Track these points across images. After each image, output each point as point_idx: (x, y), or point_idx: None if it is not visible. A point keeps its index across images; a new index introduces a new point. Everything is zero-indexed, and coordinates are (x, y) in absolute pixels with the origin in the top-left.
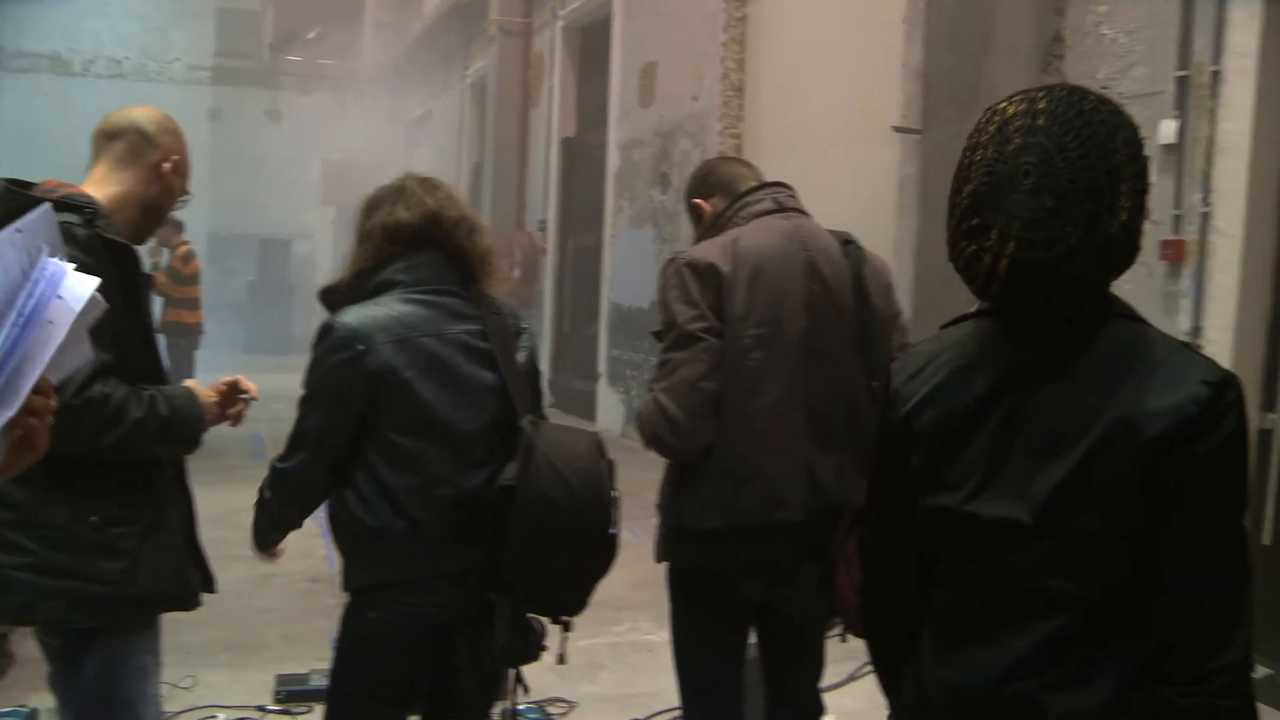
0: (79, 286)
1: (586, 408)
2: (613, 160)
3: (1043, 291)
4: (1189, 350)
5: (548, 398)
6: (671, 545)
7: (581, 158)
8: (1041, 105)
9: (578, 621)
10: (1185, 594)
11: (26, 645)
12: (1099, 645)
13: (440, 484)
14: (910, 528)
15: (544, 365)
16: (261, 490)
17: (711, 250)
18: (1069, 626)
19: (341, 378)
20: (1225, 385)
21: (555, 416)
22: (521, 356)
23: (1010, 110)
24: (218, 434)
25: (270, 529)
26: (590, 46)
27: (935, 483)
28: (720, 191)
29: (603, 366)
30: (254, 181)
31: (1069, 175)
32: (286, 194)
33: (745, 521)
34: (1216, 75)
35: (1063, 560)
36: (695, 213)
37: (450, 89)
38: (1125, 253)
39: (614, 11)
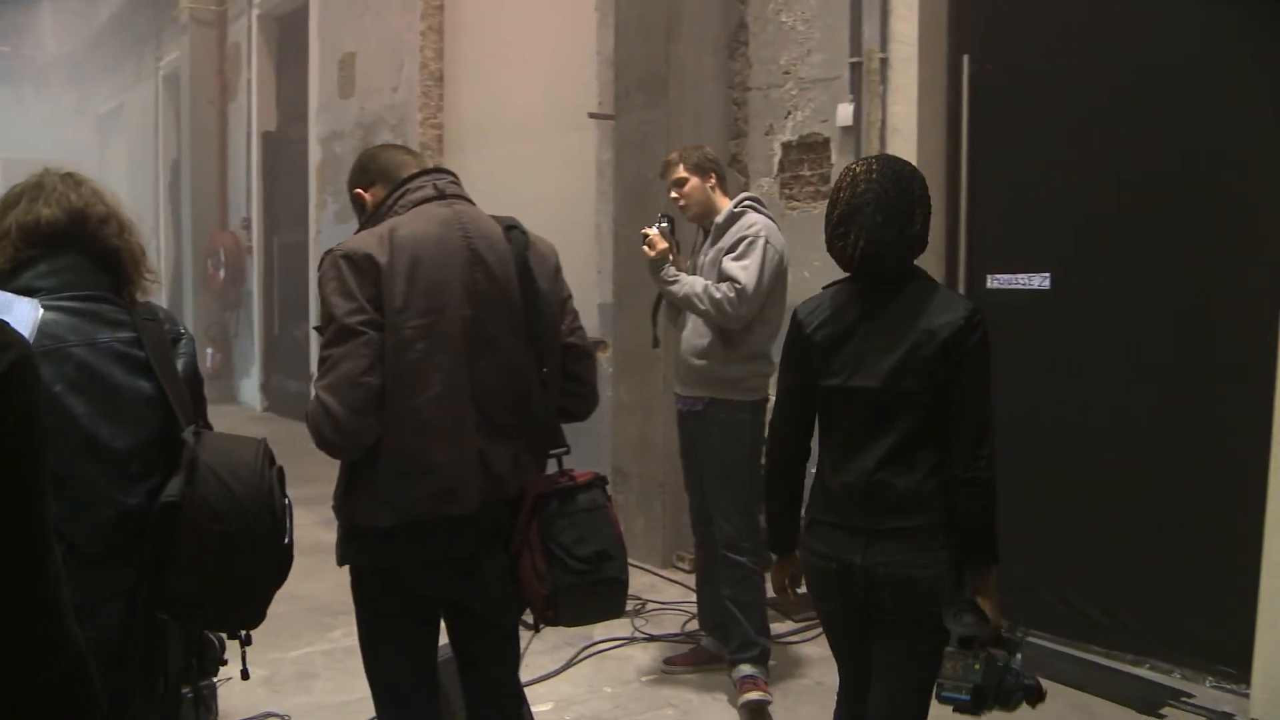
0: None
1: (301, 409)
2: (314, 154)
3: (876, 265)
4: (957, 295)
5: (262, 402)
6: (349, 546)
7: (283, 152)
8: (875, 168)
9: (295, 630)
10: (962, 417)
11: None
12: (916, 451)
13: (100, 504)
14: (805, 399)
15: (255, 368)
16: None
17: (368, 240)
18: (901, 442)
19: None
20: (975, 311)
21: (269, 420)
22: (181, 364)
23: (858, 170)
24: None
25: None
26: (288, 36)
27: (827, 372)
28: (381, 180)
29: (315, 367)
30: None
31: (890, 205)
32: None
33: (418, 516)
34: (884, 62)
35: (897, 406)
36: (358, 203)
37: (143, 80)
38: (919, 245)
39: (310, 0)
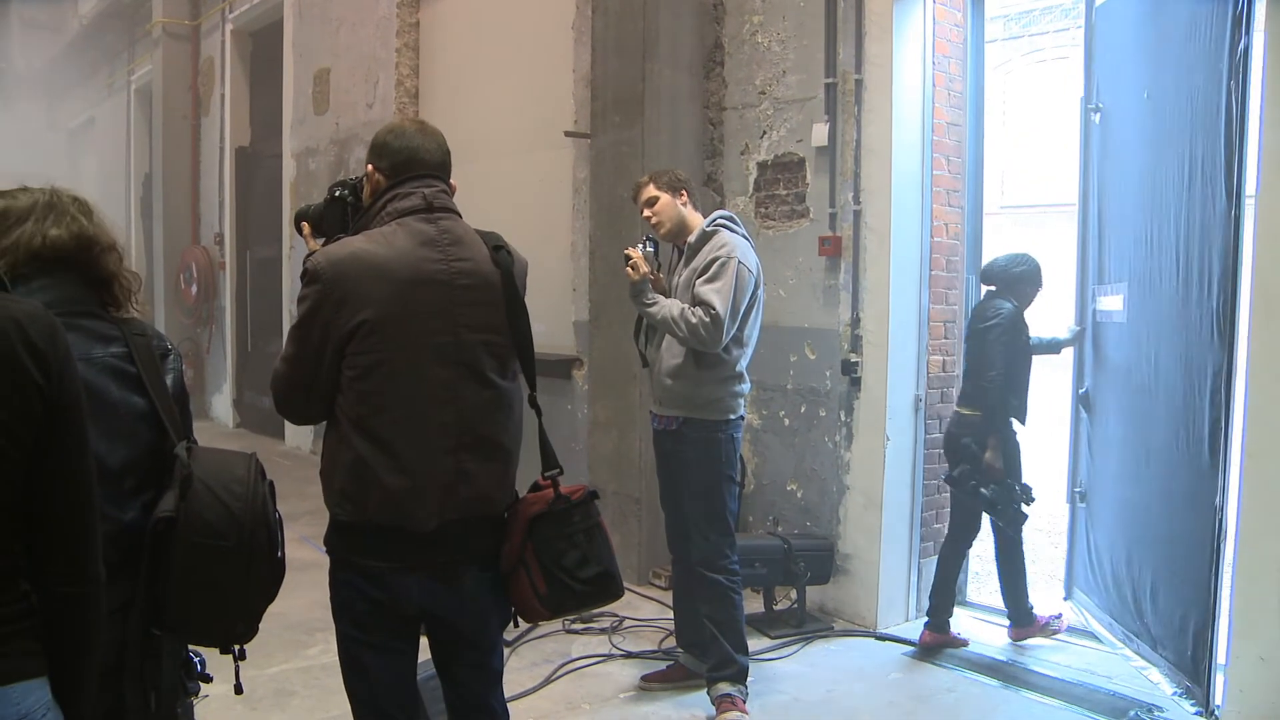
0: None
1: (274, 426)
2: (288, 169)
3: (992, 280)
4: (1003, 303)
5: (234, 418)
6: (328, 530)
7: (257, 167)
8: (1005, 258)
9: (270, 648)
10: (979, 357)
11: None
12: (970, 371)
13: None
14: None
15: (227, 384)
16: None
17: (347, 256)
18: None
19: None
20: (992, 312)
21: (242, 436)
22: (169, 379)
23: (996, 257)
24: None
25: None
26: (262, 51)
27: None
28: (389, 170)
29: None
30: None
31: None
32: None
33: (372, 520)
34: (859, 83)
35: (970, 346)
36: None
37: (115, 94)
38: (1018, 280)
39: (285, 15)
